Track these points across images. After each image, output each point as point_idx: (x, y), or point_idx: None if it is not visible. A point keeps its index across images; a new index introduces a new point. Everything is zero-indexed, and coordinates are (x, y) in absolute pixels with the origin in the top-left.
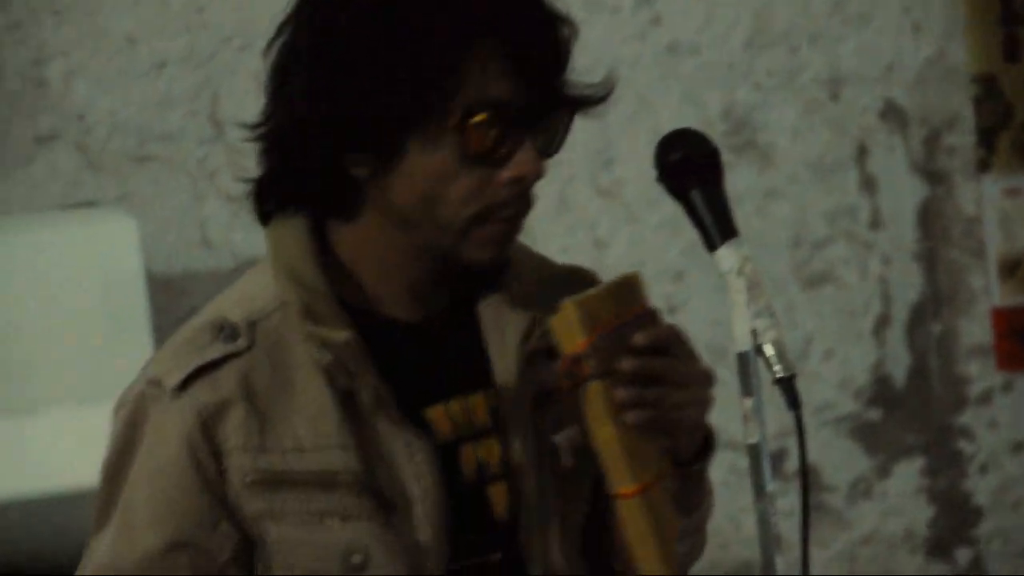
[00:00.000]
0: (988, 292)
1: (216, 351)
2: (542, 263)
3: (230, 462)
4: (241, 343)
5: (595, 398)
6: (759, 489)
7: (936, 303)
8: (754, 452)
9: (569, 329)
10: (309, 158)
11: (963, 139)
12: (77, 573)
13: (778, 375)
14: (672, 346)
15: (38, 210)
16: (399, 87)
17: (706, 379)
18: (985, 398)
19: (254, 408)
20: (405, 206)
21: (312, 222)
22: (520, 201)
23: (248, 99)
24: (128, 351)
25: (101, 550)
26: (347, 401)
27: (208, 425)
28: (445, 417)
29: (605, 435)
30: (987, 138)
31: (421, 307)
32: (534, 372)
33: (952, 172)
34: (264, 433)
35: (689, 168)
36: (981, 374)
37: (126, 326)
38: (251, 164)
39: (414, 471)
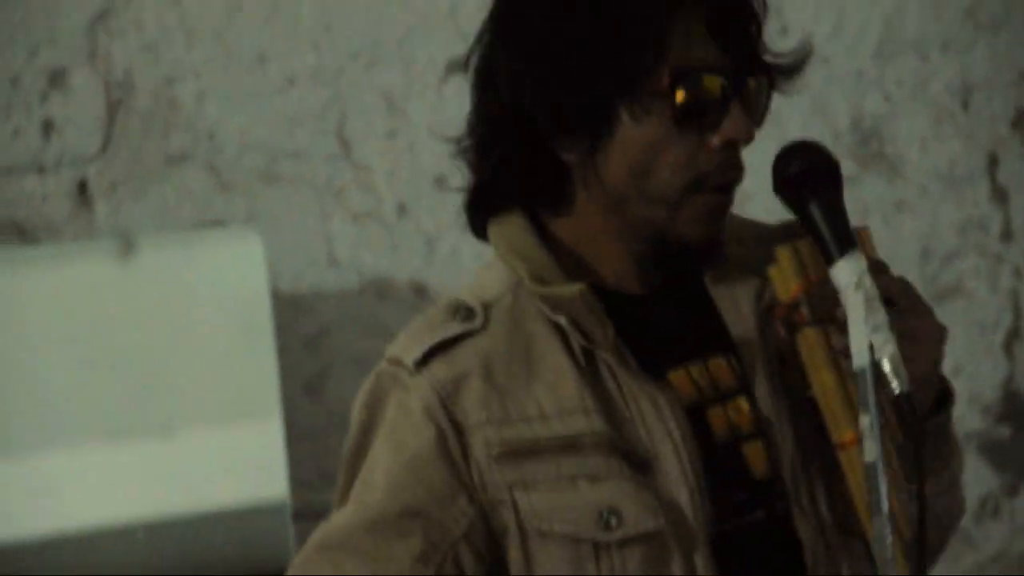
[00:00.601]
0: None
1: (453, 329)
2: (756, 225)
3: (474, 438)
4: (477, 322)
5: (812, 345)
6: (875, 508)
7: None
8: (871, 471)
9: (784, 276)
10: (521, 151)
11: None
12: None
13: (896, 391)
14: (901, 297)
15: (168, 229)
16: (607, 56)
17: (938, 332)
18: None
19: (492, 383)
20: (617, 184)
21: (529, 219)
22: (731, 168)
23: (375, 116)
24: (253, 370)
25: (335, 518)
26: (587, 365)
27: (447, 402)
28: (688, 381)
29: (823, 382)
30: None
31: (645, 283)
32: (772, 330)
33: None
34: (506, 406)
35: (807, 180)
36: None
37: (252, 345)
38: (378, 181)
39: (664, 429)
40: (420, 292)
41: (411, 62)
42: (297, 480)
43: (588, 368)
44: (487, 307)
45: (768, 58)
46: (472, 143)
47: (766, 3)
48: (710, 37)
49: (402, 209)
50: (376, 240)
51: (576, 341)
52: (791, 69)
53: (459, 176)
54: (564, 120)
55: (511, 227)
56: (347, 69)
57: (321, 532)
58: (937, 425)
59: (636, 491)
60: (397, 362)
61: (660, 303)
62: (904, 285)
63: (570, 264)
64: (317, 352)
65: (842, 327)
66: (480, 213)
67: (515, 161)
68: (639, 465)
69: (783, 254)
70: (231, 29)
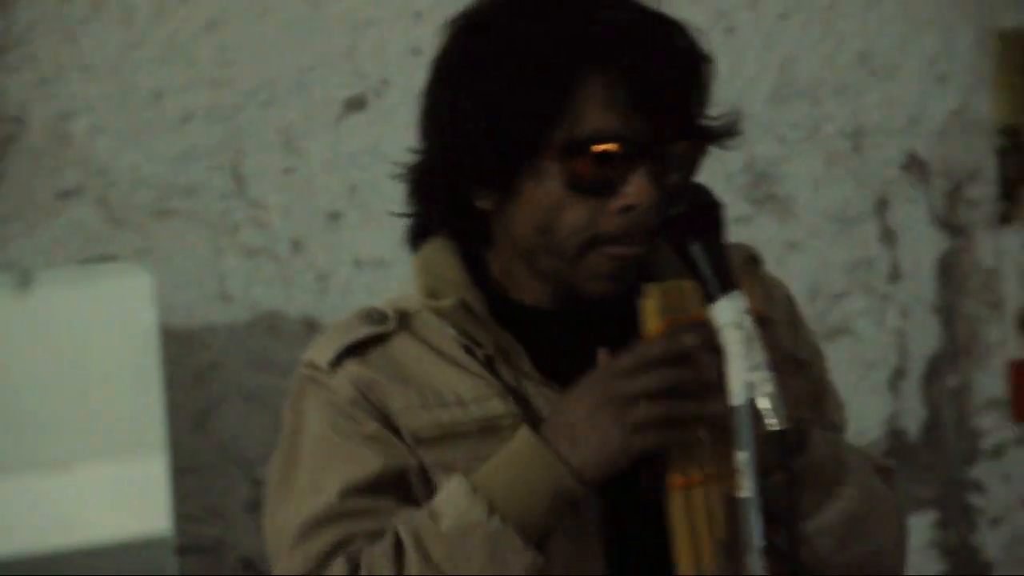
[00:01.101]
0: (1004, 345)
1: (364, 331)
2: None
3: (399, 422)
4: (389, 324)
5: None
6: (751, 545)
7: (952, 356)
8: (746, 507)
9: (647, 312)
10: (442, 196)
11: (985, 191)
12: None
13: (773, 429)
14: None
15: (59, 265)
16: (507, 122)
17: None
18: (998, 451)
19: (406, 378)
20: (524, 236)
21: (458, 245)
22: (634, 232)
23: (272, 153)
24: (141, 404)
25: (283, 517)
26: (491, 367)
27: (367, 394)
28: None
29: None
30: (1009, 190)
31: (564, 306)
32: None
33: (973, 225)
34: (423, 394)
35: (689, 222)
36: (995, 427)
37: (140, 379)
38: (272, 218)
39: None
40: (312, 327)
41: (308, 100)
42: (182, 514)
43: (492, 370)
44: (402, 315)
45: (702, 121)
46: (409, 174)
47: (703, 66)
48: (621, 103)
49: (296, 245)
50: (268, 276)
51: (470, 350)
52: (717, 135)
53: (355, 213)
54: (475, 175)
55: (434, 249)
56: (244, 106)
57: (273, 533)
58: (810, 463)
59: None
60: (312, 365)
61: (578, 319)
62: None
63: (487, 279)
64: (206, 386)
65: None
66: (413, 237)
67: (437, 203)
68: None
69: (651, 292)
70: (127, 65)
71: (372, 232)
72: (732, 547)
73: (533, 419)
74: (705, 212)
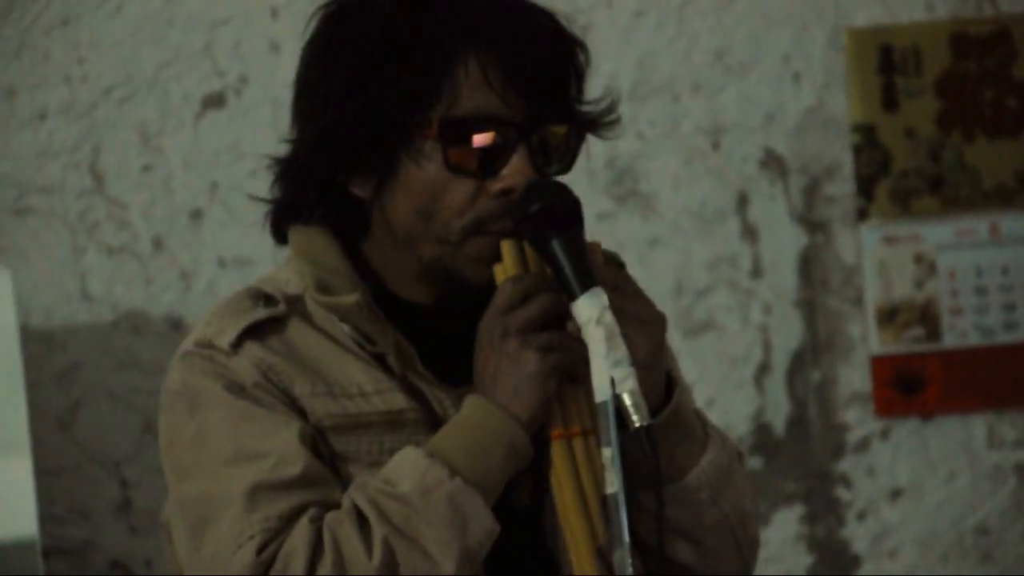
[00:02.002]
0: (866, 340)
1: (260, 313)
2: None
3: (305, 405)
4: (281, 308)
5: None
6: (618, 540)
7: (815, 351)
8: (613, 503)
9: (506, 270)
10: (317, 183)
11: (842, 188)
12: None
13: (636, 424)
14: (624, 284)
15: None
16: (385, 104)
17: (659, 316)
18: (863, 445)
19: (308, 367)
20: (404, 222)
21: (332, 232)
22: (511, 214)
23: (130, 151)
24: (3, 406)
25: (209, 486)
26: (382, 363)
27: (270, 375)
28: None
29: None
30: (866, 187)
31: (443, 301)
32: None
33: (831, 221)
34: (328, 382)
35: (548, 219)
36: (860, 421)
37: (2, 381)
38: (133, 217)
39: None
40: (176, 326)
41: (166, 97)
42: (48, 516)
43: (385, 366)
44: (290, 300)
45: (581, 106)
46: (278, 163)
47: (578, 52)
48: (499, 84)
49: (157, 243)
50: (130, 275)
51: (363, 346)
52: (598, 117)
53: (217, 211)
54: (350, 161)
55: (311, 236)
56: (100, 103)
57: (189, 525)
58: (673, 414)
59: None
60: (209, 345)
61: (457, 316)
62: (624, 275)
63: (369, 275)
64: (69, 387)
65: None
66: (281, 223)
67: (311, 191)
68: None
69: (505, 247)
70: None
71: (235, 230)
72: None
73: (433, 416)
74: (564, 208)
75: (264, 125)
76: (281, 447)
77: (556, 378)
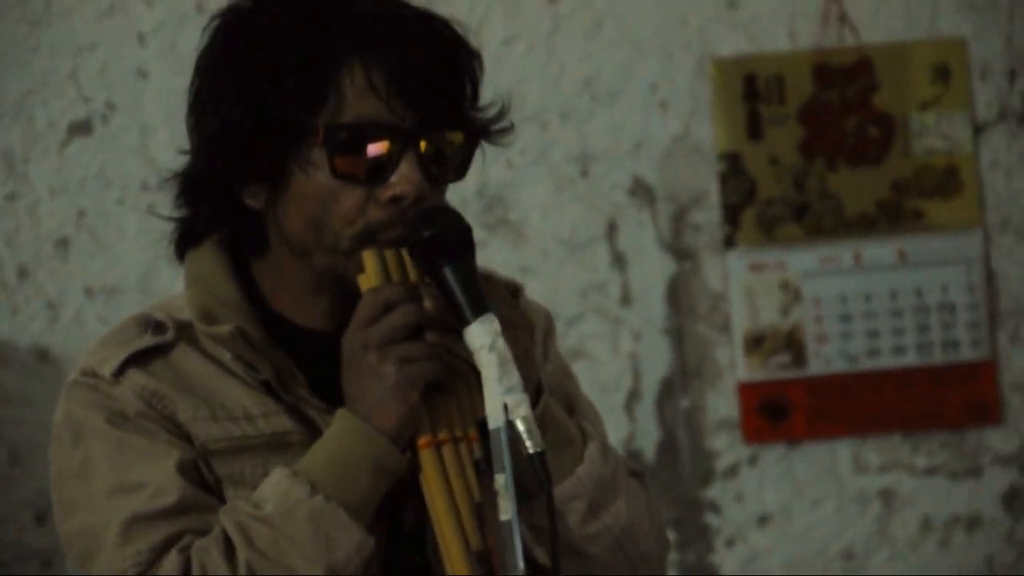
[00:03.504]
0: (734, 366)
1: (146, 341)
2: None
3: (190, 430)
4: (169, 336)
5: None
6: (512, 566)
7: (684, 378)
8: (506, 530)
9: (369, 280)
10: (209, 196)
11: (709, 215)
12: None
13: (530, 450)
14: (492, 291)
15: None
16: (270, 111)
17: (519, 322)
18: (732, 472)
19: (193, 392)
20: (296, 232)
21: (229, 256)
22: (401, 223)
23: None
24: None
25: (90, 519)
26: (269, 388)
27: (153, 403)
28: None
29: None
30: (732, 214)
31: (338, 322)
32: None
33: (699, 248)
34: (211, 406)
35: (441, 245)
36: (728, 448)
37: None
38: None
39: None
40: (43, 356)
41: (32, 124)
42: None
43: (272, 391)
44: (180, 326)
45: (473, 114)
46: (174, 180)
47: (470, 58)
48: (384, 91)
49: (23, 272)
50: None
51: (244, 373)
52: (490, 124)
53: (84, 240)
54: (241, 169)
55: (202, 259)
56: None
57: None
58: (544, 416)
59: None
60: (92, 374)
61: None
62: (491, 281)
63: (261, 298)
64: None
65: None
66: (180, 243)
67: (206, 204)
68: None
69: (368, 258)
70: None
71: (102, 259)
72: (484, 514)
73: (319, 438)
74: (455, 235)
75: (132, 152)
76: (158, 477)
77: (418, 388)
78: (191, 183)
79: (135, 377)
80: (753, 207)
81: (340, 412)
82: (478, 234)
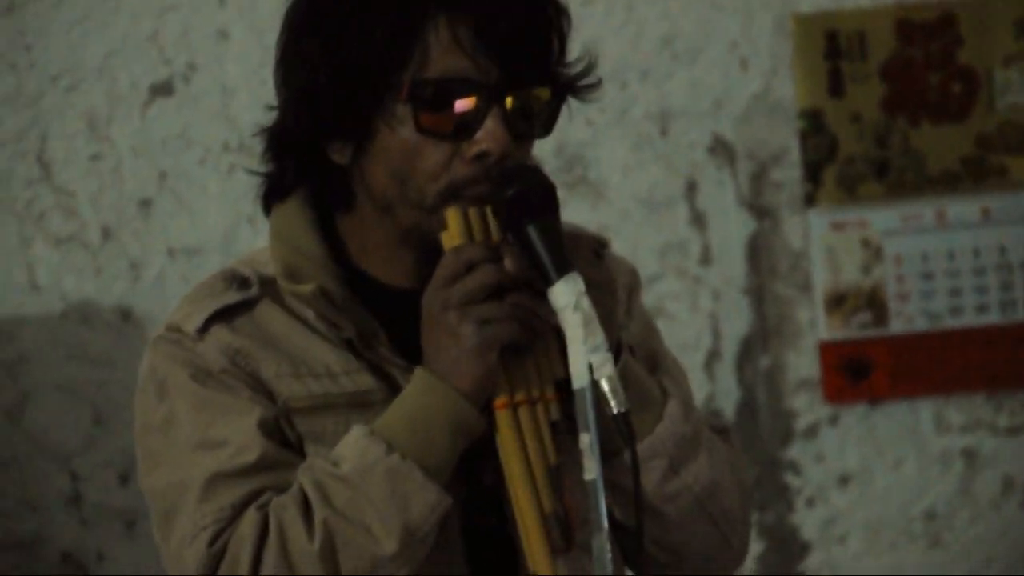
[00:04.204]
0: (814, 326)
1: (231, 297)
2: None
3: (273, 387)
4: (254, 291)
5: None
6: (597, 525)
7: (764, 337)
8: (592, 489)
9: (451, 239)
10: (295, 149)
11: (789, 174)
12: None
13: (614, 410)
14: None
15: None
16: (356, 68)
17: (603, 280)
18: (812, 431)
19: (276, 346)
20: (382, 188)
21: (315, 212)
22: (485, 179)
23: (77, 139)
24: None
25: (174, 473)
26: (351, 345)
27: (237, 360)
28: None
29: None
30: (813, 172)
31: (420, 280)
32: None
33: (779, 207)
34: (295, 363)
35: (524, 204)
36: (808, 407)
37: None
38: (79, 205)
39: None
40: (126, 317)
41: (114, 85)
42: None
43: (353, 348)
44: (264, 281)
45: (559, 69)
46: (261, 135)
47: (557, 13)
48: (469, 46)
49: (106, 233)
50: (79, 264)
51: (327, 331)
52: (572, 82)
53: (166, 200)
54: (327, 125)
55: (287, 215)
56: (47, 92)
57: (162, 506)
58: (624, 374)
59: None
60: (177, 329)
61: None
62: (575, 239)
63: (346, 255)
64: (17, 379)
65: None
66: (267, 198)
67: (292, 160)
68: None
69: (452, 216)
70: None
71: (184, 220)
72: (562, 475)
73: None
74: (540, 194)
75: (213, 113)
76: (240, 435)
77: (496, 350)
78: (277, 139)
79: (219, 334)
80: (834, 165)
81: (418, 371)
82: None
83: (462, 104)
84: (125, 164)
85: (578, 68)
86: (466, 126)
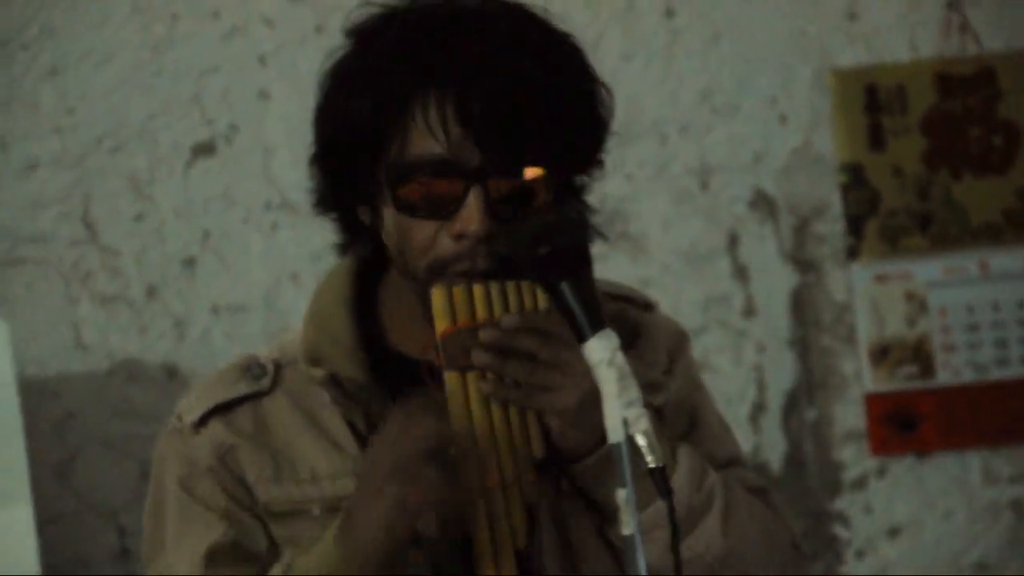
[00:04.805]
0: (860, 378)
1: (238, 390)
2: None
3: (254, 490)
4: (265, 383)
5: (452, 389)
6: None
7: (810, 390)
8: (630, 543)
9: (435, 313)
10: (329, 207)
11: (832, 227)
12: None
13: (650, 465)
14: (542, 331)
15: None
16: (338, 143)
17: (577, 366)
18: (860, 483)
19: (267, 445)
20: (392, 256)
21: (357, 285)
22: (467, 258)
23: (121, 200)
24: (2, 456)
25: (157, 569)
26: (360, 434)
27: (226, 459)
28: None
29: (460, 427)
30: (855, 225)
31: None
32: None
33: (822, 260)
34: (279, 465)
35: (557, 261)
36: (855, 459)
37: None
38: (123, 264)
39: None
40: (171, 374)
41: (156, 146)
42: (47, 564)
43: (362, 437)
44: (279, 367)
45: (560, 148)
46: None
47: (553, 94)
48: (448, 128)
49: (151, 292)
50: (125, 323)
51: (342, 415)
52: (576, 160)
53: (210, 259)
54: (340, 189)
55: (328, 289)
56: (91, 153)
57: None
58: (600, 460)
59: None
60: (180, 419)
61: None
62: (545, 320)
63: (380, 331)
64: (65, 436)
65: (481, 374)
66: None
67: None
68: None
69: (435, 295)
70: None
71: (227, 278)
72: (533, 559)
73: None
74: (572, 250)
75: (255, 172)
76: (183, 564)
77: (405, 534)
78: (315, 197)
79: (215, 428)
80: (876, 218)
81: (334, 532)
82: (597, 247)
83: (439, 186)
84: (168, 224)
85: (579, 153)
86: (444, 207)
